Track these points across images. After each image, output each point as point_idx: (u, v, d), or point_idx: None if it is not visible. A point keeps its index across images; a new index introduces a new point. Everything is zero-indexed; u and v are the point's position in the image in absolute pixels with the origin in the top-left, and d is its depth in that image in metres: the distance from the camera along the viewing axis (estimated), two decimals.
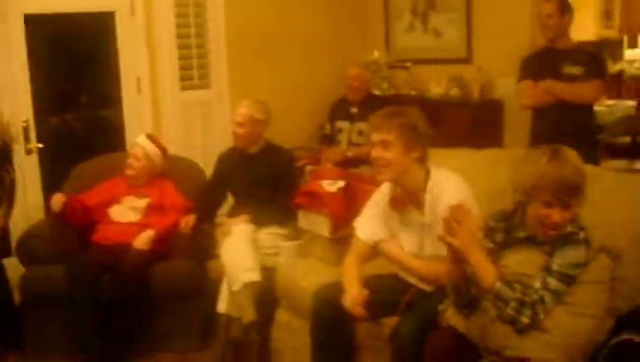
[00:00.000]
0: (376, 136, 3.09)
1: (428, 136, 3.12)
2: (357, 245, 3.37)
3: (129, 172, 4.55)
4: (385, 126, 3.07)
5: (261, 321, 3.99)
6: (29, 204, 5.04)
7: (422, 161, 3.13)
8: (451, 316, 2.83)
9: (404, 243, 3.25)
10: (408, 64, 5.95)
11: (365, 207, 3.39)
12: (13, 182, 4.35)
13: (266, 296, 4.01)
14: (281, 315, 3.97)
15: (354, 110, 5.49)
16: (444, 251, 2.70)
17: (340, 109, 5.62)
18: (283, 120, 5.11)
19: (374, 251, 3.34)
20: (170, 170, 4.70)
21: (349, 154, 5.34)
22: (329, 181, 4.06)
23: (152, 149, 4.56)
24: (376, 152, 3.09)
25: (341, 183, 4.02)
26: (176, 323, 4.23)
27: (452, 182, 3.12)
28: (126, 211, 4.46)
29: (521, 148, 3.77)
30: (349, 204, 3.90)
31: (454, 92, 5.59)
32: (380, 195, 3.33)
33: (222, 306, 4.08)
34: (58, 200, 4.26)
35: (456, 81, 5.61)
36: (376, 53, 6.22)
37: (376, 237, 3.29)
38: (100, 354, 4.03)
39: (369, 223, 3.34)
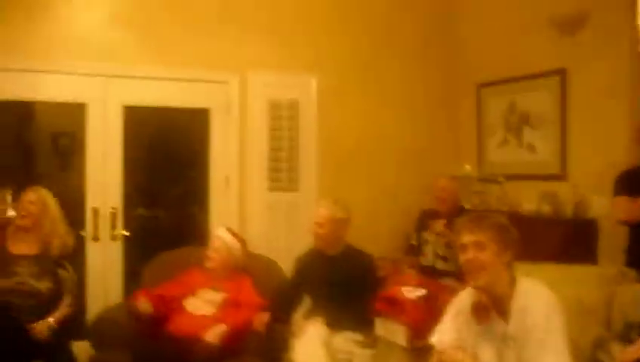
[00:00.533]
0: (468, 238, 2.92)
1: (516, 241, 2.97)
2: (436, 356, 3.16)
3: (208, 264, 4.52)
4: (479, 226, 2.93)
5: None
6: (109, 288, 5.08)
7: (510, 266, 2.97)
8: None
9: (483, 356, 3.03)
10: (501, 179, 5.81)
11: (445, 315, 3.20)
12: (73, 279, 4.39)
13: None
14: None
15: (441, 222, 5.34)
16: None
17: (427, 220, 5.49)
18: (369, 228, 5.04)
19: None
20: (250, 267, 4.65)
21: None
22: (410, 288, 3.91)
23: (231, 241, 4.54)
24: (469, 255, 2.91)
25: (422, 291, 3.85)
26: None
27: (543, 293, 2.93)
28: (201, 304, 4.41)
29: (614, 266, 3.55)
30: (429, 314, 3.72)
31: (546, 209, 5.39)
32: (460, 303, 3.15)
33: None
34: (146, 305, 4.23)
35: (549, 197, 5.42)
36: (467, 167, 6.11)
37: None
38: None
39: (447, 331, 3.15)
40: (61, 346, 4.23)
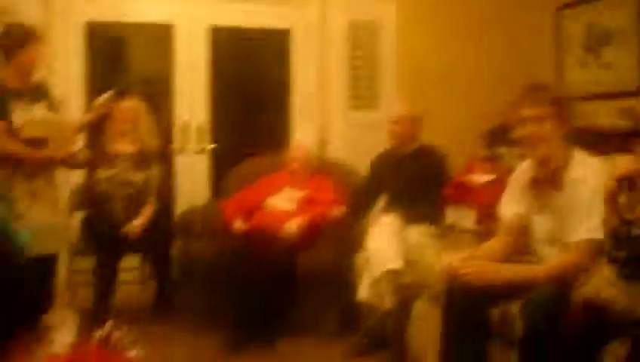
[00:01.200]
0: (528, 112, 2.99)
1: (572, 113, 3.06)
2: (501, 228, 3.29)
3: (289, 166, 4.76)
4: (537, 100, 3.02)
5: (399, 311, 3.97)
6: (196, 197, 5.40)
7: (566, 138, 3.06)
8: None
9: (538, 227, 3.13)
10: (578, 97, 5.81)
11: (507, 187, 3.33)
12: (160, 178, 4.89)
13: (407, 285, 4.00)
14: (420, 306, 3.93)
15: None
16: (578, 237, 2.70)
17: (499, 135, 5.56)
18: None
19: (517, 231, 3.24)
20: (328, 170, 4.86)
21: None
22: (479, 174, 4.03)
23: (309, 141, 4.79)
24: (528, 128, 2.99)
25: (491, 176, 3.97)
26: (319, 309, 4.30)
27: (595, 166, 3.00)
28: (283, 201, 4.66)
29: None
30: (497, 197, 3.84)
31: (625, 124, 5.38)
32: (519, 176, 3.26)
33: (362, 294, 4.10)
34: (240, 224, 4.53)
35: (627, 112, 5.40)
36: None
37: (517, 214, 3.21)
38: (247, 329, 4.17)
39: (509, 204, 3.27)
40: (152, 241, 4.58)
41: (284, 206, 4.61)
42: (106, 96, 4.53)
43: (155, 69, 5.74)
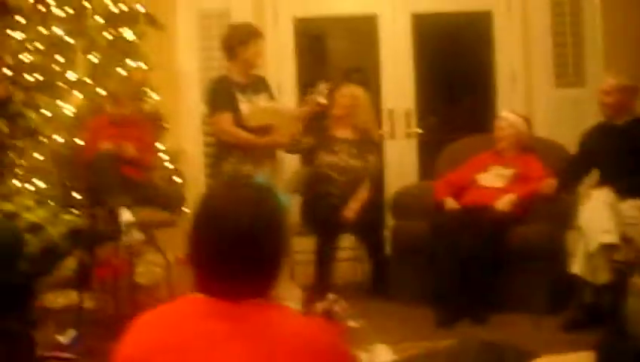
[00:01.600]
0: None
1: None
2: None
3: (497, 144, 4.80)
4: None
5: (615, 285, 3.91)
6: (405, 177, 5.58)
7: None
8: None
9: None
10: None
11: None
12: (377, 166, 5.07)
13: (623, 260, 3.93)
14: (637, 281, 3.84)
15: None
16: None
17: None
18: None
19: None
20: (537, 148, 4.85)
21: None
22: None
23: (515, 119, 4.79)
24: None
25: None
26: (530, 284, 4.32)
27: None
28: (492, 178, 4.72)
29: None
30: None
31: None
32: None
33: (576, 267, 4.07)
34: (452, 204, 4.64)
35: None
36: None
37: None
38: (456, 304, 4.29)
39: None
40: (367, 222, 4.81)
41: (495, 183, 4.67)
42: (320, 89, 4.76)
43: (361, 58, 5.99)
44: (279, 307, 1.59)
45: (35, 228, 3.46)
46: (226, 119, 4.47)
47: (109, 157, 4.21)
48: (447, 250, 4.38)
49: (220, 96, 4.51)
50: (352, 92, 5.04)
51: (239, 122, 4.43)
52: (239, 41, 4.50)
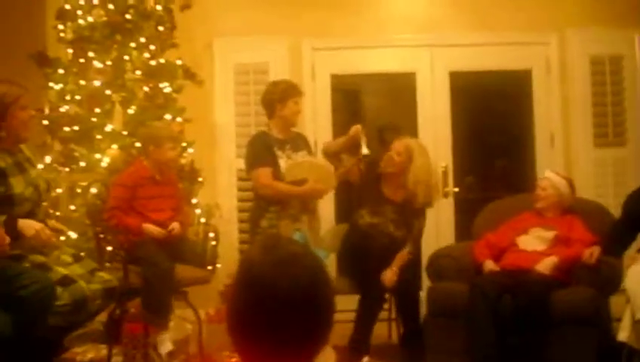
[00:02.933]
0: None
1: None
2: None
3: (538, 204, 4.69)
4: None
5: None
6: (442, 240, 5.49)
7: None
8: None
9: None
10: None
11: None
12: (420, 229, 4.80)
13: None
14: None
15: None
16: None
17: None
18: None
19: None
20: (578, 209, 4.73)
21: None
22: None
23: (558, 180, 4.67)
24: None
25: None
26: (572, 351, 4.15)
27: None
28: (533, 240, 4.58)
29: None
30: None
31: None
32: None
33: (623, 335, 3.92)
34: (492, 266, 4.48)
35: None
36: None
37: None
38: None
39: None
40: (402, 284, 4.69)
41: (536, 246, 4.54)
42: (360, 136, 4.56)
43: (398, 116, 5.96)
44: None
45: (67, 281, 3.40)
46: (265, 173, 4.44)
47: (155, 245, 4.15)
48: (487, 314, 4.23)
49: (260, 152, 4.49)
50: (407, 145, 4.71)
51: (278, 177, 4.39)
52: (279, 98, 4.49)
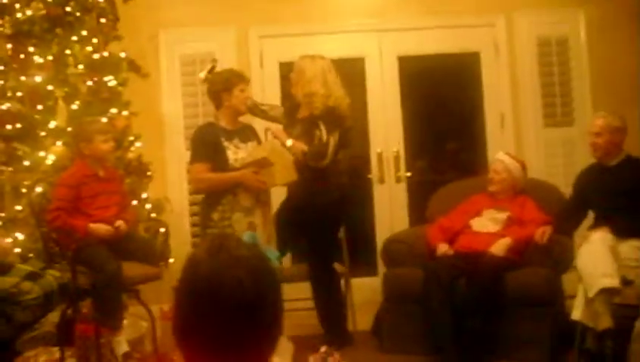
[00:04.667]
0: None
1: None
2: None
3: (491, 187, 4.71)
4: None
5: (618, 330, 3.79)
6: (395, 224, 5.48)
7: None
8: None
9: None
10: None
11: None
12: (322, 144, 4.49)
13: (624, 304, 3.82)
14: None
15: None
16: None
17: None
18: None
19: None
20: (530, 190, 4.76)
21: None
22: None
23: (511, 163, 4.71)
24: None
25: None
26: (527, 331, 4.18)
27: None
28: (486, 222, 4.62)
29: None
30: None
31: None
32: None
33: (576, 314, 3.95)
34: (445, 248, 4.50)
35: None
36: None
37: None
38: (454, 353, 4.16)
39: None
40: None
41: (489, 227, 4.56)
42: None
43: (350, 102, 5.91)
44: None
45: (35, 276, 3.35)
46: (199, 169, 4.31)
47: (102, 244, 4.05)
48: (442, 298, 4.25)
49: (198, 147, 4.35)
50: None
51: (224, 168, 4.26)
52: (223, 88, 4.37)
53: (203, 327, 1.40)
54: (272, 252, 4.06)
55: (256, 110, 4.67)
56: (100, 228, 4.08)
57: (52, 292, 3.44)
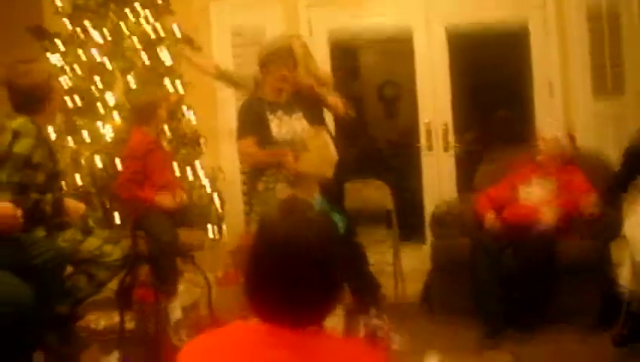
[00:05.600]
0: None
1: None
2: None
3: (539, 157, 4.73)
4: None
5: None
6: (443, 190, 5.57)
7: None
8: None
9: None
10: None
11: None
12: None
13: None
14: None
15: None
16: None
17: None
18: None
19: None
20: (579, 160, 4.77)
21: None
22: None
23: (559, 134, 4.72)
24: None
25: None
26: (576, 299, 4.24)
27: None
28: (535, 192, 4.64)
29: None
30: None
31: None
32: None
33: (623, 279, 3.99)
34: (492, 221, 4.55)
35: None
36: None
37: None
38: (502, 321, 4.24)
39: None
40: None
41: (537, 197, 4.59)
42: None
43: (398, 72, 5.97)
44: (332, 335, 1.61)
45: (114, 239, 3.69)
46: (245, 144, 4.30)
47: (160, 215, 4.21)
48: (490, 269, 4.33)
49: (243, 122, 4.34)
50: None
51: (269, 141, 4.29)
52: (268, 59, 4.36)
53: (276, 283, 1.53)
54: (338, 217, 4.03)
55: (223, 78, 4.78)
56: (165, 199, 4.22)
57: (128, 255, 3.68)
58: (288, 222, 1.55)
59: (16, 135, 3.27)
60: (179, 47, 4.90)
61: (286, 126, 4.31)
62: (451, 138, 5.67)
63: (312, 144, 4.20)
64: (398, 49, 5.84)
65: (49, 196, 3.37)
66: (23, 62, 3.53)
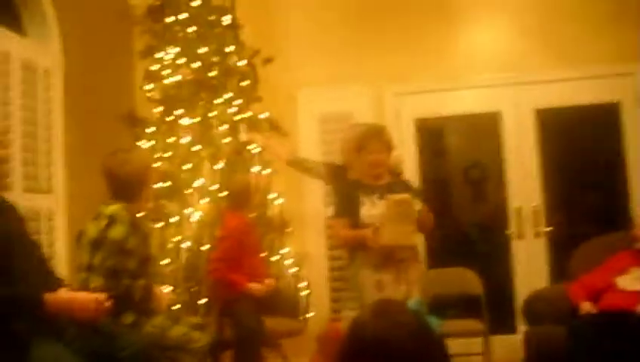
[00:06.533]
0: None
1: None
2: None
3: (637, 244, 4.53)
4: None
5: None
6: (534, 277, 5.39)
7: None
8: None
9: None
10: None
11: None
12: None
13: None
14: None
15: None
16: None
17: None
18: None
19: None
20: None
21: None
22: None
23: None
24: None
25: None
26: None
27: None
28: (633, 281, 4.42)
29: None
30: None
31: None
32: None
33: None
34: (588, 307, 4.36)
35: None
36: None
37: None
38: None
39: None
40: None
41: (636, 286, 4.37)
42: None
43: (483, 155, 5.90)
44: None
45: (202, 326, 3.65)
46: (337, 224, 4.22)
47: (249, 302, 4.22)
48: (588, 355, 4.10)
49: (338, 202, 4.31)
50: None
51: (357, 224, 4.15)
52: (359, 145, 4.30)
53: None
54: (433, 319, 3.82)
55: (295, 164, 4.77)
56: (256, 287, 4.23)
57: (213, 341, 3.67)
58: (379, 323, 1.54)
59: (111, 221, 3.35)
60: (265, 133, 4.97)
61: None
62: (543, 223, 5.50)
63: (385, 215, 4.02)
64: (485, 130, 5.77)
65: (141, 282, 3.40)
66: (122, 151, 3.63)
